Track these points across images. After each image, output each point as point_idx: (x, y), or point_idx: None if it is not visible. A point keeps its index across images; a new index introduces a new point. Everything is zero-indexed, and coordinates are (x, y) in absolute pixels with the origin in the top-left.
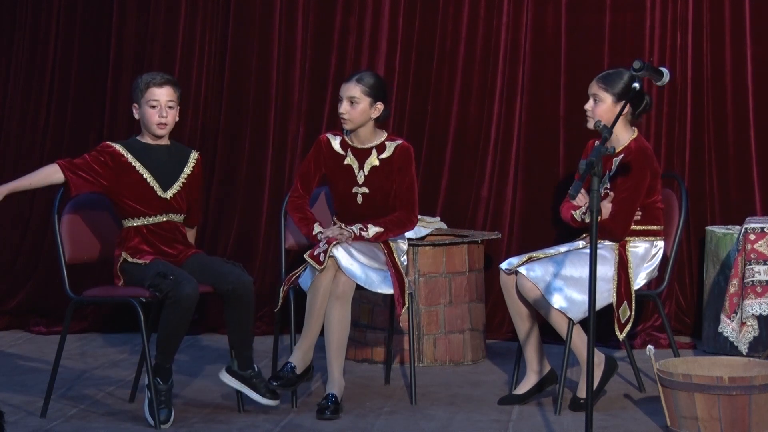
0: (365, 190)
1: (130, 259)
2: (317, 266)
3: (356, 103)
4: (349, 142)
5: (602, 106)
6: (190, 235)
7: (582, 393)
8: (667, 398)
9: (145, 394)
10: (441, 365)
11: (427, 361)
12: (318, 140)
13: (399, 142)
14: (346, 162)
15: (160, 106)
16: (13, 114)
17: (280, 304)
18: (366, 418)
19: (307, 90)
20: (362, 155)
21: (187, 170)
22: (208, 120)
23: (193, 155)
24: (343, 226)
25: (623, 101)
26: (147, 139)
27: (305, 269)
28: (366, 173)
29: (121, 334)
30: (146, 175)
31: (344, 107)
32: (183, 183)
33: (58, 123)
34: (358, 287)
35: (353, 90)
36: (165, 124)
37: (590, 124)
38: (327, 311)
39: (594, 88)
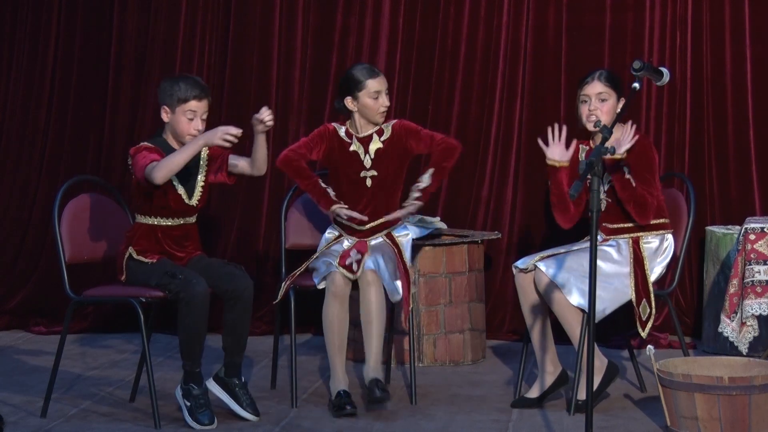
0: (373, 173)
1: (135, 256)
2: (350, 275)
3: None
4: (353, 132)
5: (606, 105)
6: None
7: (582, 394)
8: (667, 398)
9: (181, 404)
10: (441, 365)
11: (427, 361)
12: (324, 126)
13: (393, 121)
14: (352, 148)
15: (196, 118)
16: (14, 114)
17: (280, 297)
18: (366, 418)
19: (307, 90)
20: (365, 141)
21: (201, 175)
22: (208, 120)
23: (203, 152)
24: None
25: (623, 98)
26: (174, 144)
27: (306, 268)
28: (372, 156)
29: (121, 334)
30: (175, 182)
31: (387, 100)
32: (202, 187)
33: (59, 123)
34: (354, 287)
35: (386, 82)
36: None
37: (590, 126)
38: (325, 310)
39: (599, 87)
